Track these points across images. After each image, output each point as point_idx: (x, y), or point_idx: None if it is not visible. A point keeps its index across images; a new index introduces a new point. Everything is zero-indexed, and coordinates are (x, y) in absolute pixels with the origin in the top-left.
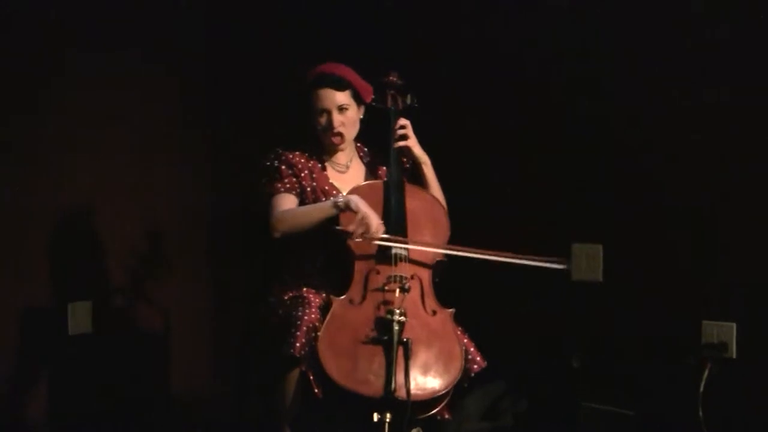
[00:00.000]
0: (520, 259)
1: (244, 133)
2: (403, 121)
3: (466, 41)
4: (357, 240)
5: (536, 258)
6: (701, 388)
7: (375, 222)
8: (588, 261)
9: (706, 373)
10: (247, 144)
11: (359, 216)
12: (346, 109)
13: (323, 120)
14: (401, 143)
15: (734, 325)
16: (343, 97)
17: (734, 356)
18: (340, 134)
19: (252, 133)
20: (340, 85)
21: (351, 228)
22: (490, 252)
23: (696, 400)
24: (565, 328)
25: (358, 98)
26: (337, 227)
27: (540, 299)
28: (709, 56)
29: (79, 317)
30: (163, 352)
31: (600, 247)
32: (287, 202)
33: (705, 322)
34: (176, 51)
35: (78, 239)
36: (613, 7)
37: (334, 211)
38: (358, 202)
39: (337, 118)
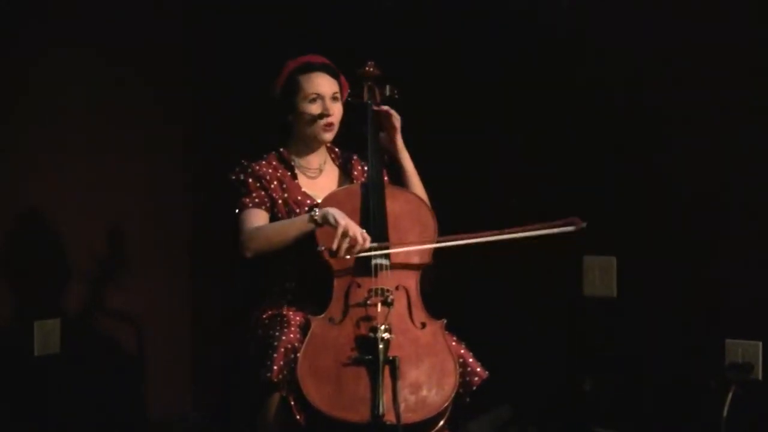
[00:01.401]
0: (522, 231)
1: (223, 136)
2: (386, 107)
3: (470, 24)
4: (345, 257)
5: (543, 226)
6: (725, 413)
7: (357, 233)
8: (601, 274)
9: (729, 396)
10: (227, 149)
11: (339, 230)
12: (337, 99)
13: (315, 107)
14: (385, 107)
15: (760, 344)
16: (335, 86)
17: (760, 378)
18: (333, 124)
19: (233, 136)
20: (333, 72)
21: (334, 245)
22: (486, 233)
23: (719, 425)
24: (576, 347)
25: (341, 93)
26: (320, 248)
27: (549, 316)
28: (728, 62)
29: (46, 337)
30: (137, 373)
31: (614, 260)
32: (257, 218)
33: (728, 341)
34: (152, 51)
35: (43, 251)
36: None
37: (310, 227)
38: (336, 215)
39: (331, 105)
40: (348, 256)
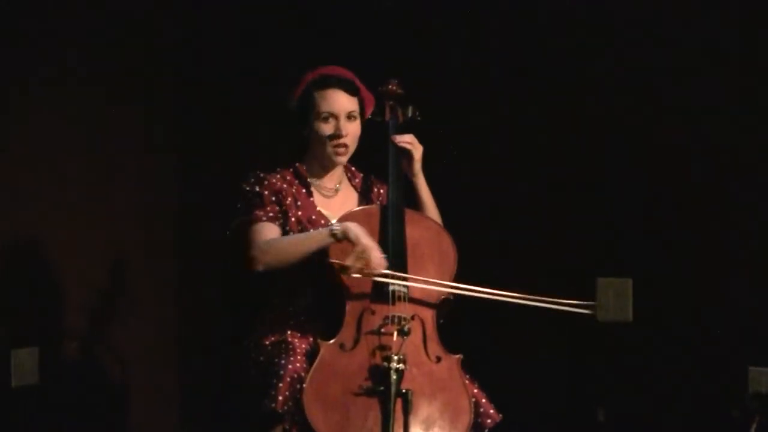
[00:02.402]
0: (540, 302)
1: (213, 156)
2: (407, 135)
3: (477, 49)
4: (354, 276)
5: (559, 302)
6: None
7: (376, 256)
8: (616, 298)
9: (753, 427)
10: (217, 169)
11: (359, 248)
12: (355, 118)
13: (328, 127)
14: (405, 143)
15: None
16: (352, 104)
17: None
18: (346, 146)
19: (222, 157)
20: (351, 89)
21: (348, 262)
22: (505, 293)
23: None
24: (590, 375)
25: (362, 110)
26: (332, 260)
27: (561, 342)
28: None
29: (24, 366)
30: (120, 405)
31: (630, 282)
32: (270, 232)
33: (752, 369)
34: (142, 76)
35: (21, 275)
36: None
37: (329, 241)
38: (358, 232)
39: (345, 126)
40: (356, 275)
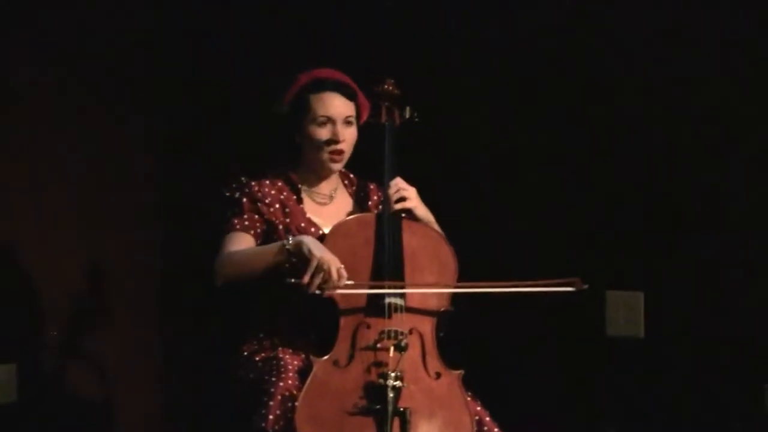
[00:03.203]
0: (517, 287)
1: (198, 158)
2: (398, 181)
3: (478, 46)
4: (315, 293)
5: (540, 283)
6: None
7: (336, 269)
8: (626, 312)
9: None
10: (204, 169)
11: (313, 263)
12: (351, 123)
13: (323, 132)
14: (401, 205)
15: None
16: (350, 108)
17: None
18: (342, 152)
19: (206, 160)
20: (349, 92)
21: (305, 279)
22: (474, 284)
23: None
24: (598, 394)
25: (358, 115)
26: (291, 280)
27: (569, 359)
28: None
29: (2, 383)
30: (103, 423)
31: (641, 296)
32: (241, 242)
33: None
34: (123, 76)
35: None
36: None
37: (281, 257)
38: (311, 245)
39: (342, 131)
40: (318, 292)
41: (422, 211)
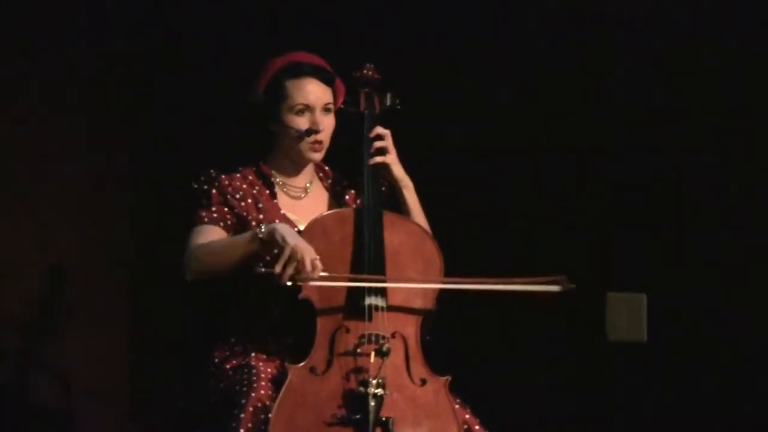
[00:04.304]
0: (502, 284)
1: (170, 146)
2: (380, 130)
3: (463, 27)
4: (287, 284)
5: (526, 281)
6: None
7: (310, 259)
8: (629, 315)
9: None
10: (175, 161)
11: (286, 251)
12: (330, 111)
13: (302, 120)
14: (378, 159)
15: None
16: (328, 95)
17: None
18: (321, 142)
19: (181, 173)
20: (327, 78)
21: (277, 268)
22: (469, 280)
23: None
24: (599, 401)
25: (335, 102)
26: (261, 269)
27: (566, 363)
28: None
29: None
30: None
31: (644, 297)
32: (210, 235)
33: None
34: (93, 75)
35: None
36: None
37: (254, 246)
38: (285, 233)
39: (322, 119)
40: (290, 283)
41: (399, 171)
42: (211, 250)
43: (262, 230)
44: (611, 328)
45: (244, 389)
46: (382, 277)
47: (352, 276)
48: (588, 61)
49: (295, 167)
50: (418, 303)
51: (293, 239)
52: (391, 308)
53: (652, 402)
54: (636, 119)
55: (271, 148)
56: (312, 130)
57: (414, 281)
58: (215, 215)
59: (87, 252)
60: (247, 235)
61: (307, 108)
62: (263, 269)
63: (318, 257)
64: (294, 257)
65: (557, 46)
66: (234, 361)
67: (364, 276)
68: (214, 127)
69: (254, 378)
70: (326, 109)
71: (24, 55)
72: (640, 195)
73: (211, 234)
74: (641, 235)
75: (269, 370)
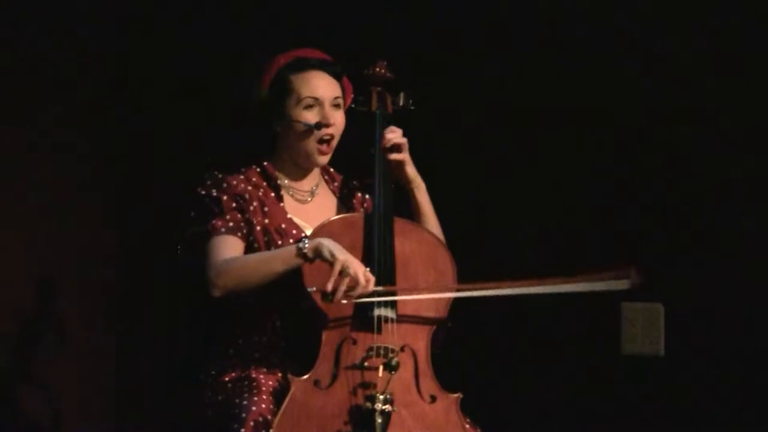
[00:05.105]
0: (561, 283)
1: (155, 189)
2: (394, 128)
3: (482, 23)
4: (343, 302)
5: (587, 277)
6: None
7: (362, 272)
8: (644, 327)
9: None
10: (159, 173)
11: (337, 267)
12: (339, 107)
13: (311, 115)
14: (396, 155)
15: None
16: (337, 89)
17: None
18: (332, 137)
19: (166, 190)
20: (335, 72)
21: (329, 286)
22: (510, 283)
23: None
24: (613, 418)
25: (344, 99)
26: (310, 288)
27: (580, 378)
28: None
29: None
30: None
31: (661, 308)
32: (231, 246)
33: None
34: (75, 74)
35: None
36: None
37: (297, 262)
38: (332, 247)
39: (332, 114)
40: (345, 301)
41: (412, 171)
42: (242, 266)
43: (306, 245)
44: (627, 340)
45: (244, 402)
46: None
47: (399, 292)
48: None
49: (299, 168)
50: (429, 313)
51: (342, 254)
52: (401, 320)
53: (669, 420)
54: (660, 119)
55: (274, 151)
56: (322, 124)
57: (451, 290)
58: (231, 224)
59: (72, 262)
60: (287, 250)
61: (316, 102)
62: (314, 289)
63: (369, 269)
64: (347, 272)
65: (571, 44)
66: (233, 374)
67: (390, 288)
68: (203, 129)
69: (255, 390)
70: (336, 105)
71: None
72: (658, 200)
73: (232, 245)
74: (659, 242)
75: (270, 382)
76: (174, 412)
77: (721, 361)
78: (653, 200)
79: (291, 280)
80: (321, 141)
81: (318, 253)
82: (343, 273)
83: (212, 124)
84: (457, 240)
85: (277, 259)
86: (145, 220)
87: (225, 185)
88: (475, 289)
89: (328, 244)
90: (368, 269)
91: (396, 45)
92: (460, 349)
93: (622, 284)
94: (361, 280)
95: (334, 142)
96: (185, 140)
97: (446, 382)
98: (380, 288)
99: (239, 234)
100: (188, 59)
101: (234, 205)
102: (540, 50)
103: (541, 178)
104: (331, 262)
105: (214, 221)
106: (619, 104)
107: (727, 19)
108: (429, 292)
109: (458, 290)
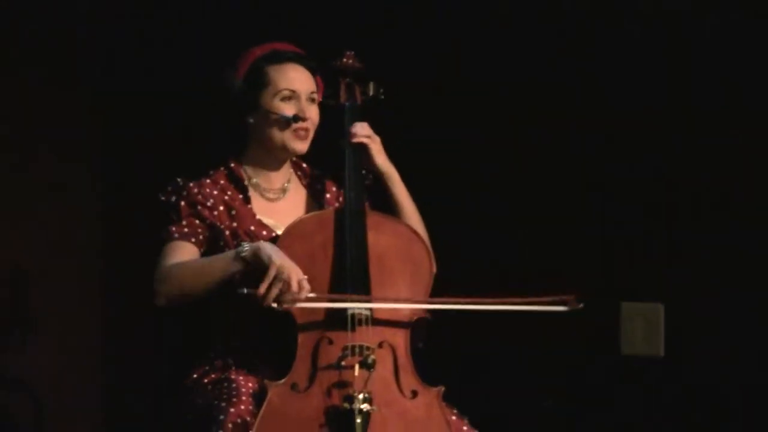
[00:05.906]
0: (504, 304)
1: (140, 181)
2: (363, 124)
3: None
4: (272, 306)
5: (530, 301)
6: None
7: (297, 279)
8: (644, 327)
9: None
10: (146, 171)
11: (272, 271)
12: (314, 101)
13: (288, 107)
14: (362, 138)
15: None
16: (313, 84)
17: None
18: (307, 130)
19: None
20: (311, 67)
21: (261, 290)
22: (464, 299)
23: None
24: (612, 421)
25: (317, 96)
26: (243, 290)
27: (577, 377)
28: None
29: None
30: None
31: (661, 308)
32: (181, 252)
33: None
34: (59, 66)
35: None
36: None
37: (236, 267)
38: (271, 252)
39: (308, 108)
40: (273, 305)
41: (382, 159)
42: (183, 273)
43: (245, 249)
44: (626, 341)
45: (223, 404)
46: (367, 297)
47: (335, 296)
48: (590, 61)
49: (272, 164)
50: (406, 311)
51: (279, 259)
52: (376, 318)
53: (669, 420)
54: (660, 119)
55: (246, 145)
56: (299, 117)
57: (402, 299)
58: (186, 230)
59: (54, 258)
60: (227, 255)
61: (293, 94)
62: (245, 290)
63: (305, 277)
64: (279, 278)
65: (556, 46)
66: (213, 376)
67: (352, 296)
68: (185, 128)
69: (234, 393)
70: (311, 99)
71: None
72: (658, 198)
73: (183, 251)
74: (658, 241)
75: (250, 384)
76: (158, 415)
77: (721, 362)
78: (653, 200)
79: (227, 292)
80: (297, 131)
81: (255, 257)
82: (276, 278)
83: (212, 125)
84: (440, 239)
85: (217, 265)
86: (134, 220)
87: (185, 192)
88: (429, 303)
89: (267, 248)
90: (304, 277)
91: (365, 31)
92: (450, 342)
93: (560, 308)
94: (294, 286)
95: (311, 134)
96: (185, 140)
97: (434, 376)
98: (350, 291)
99: (193, 240)
100: (188, 59)
101: (192, 211)
102: (525, 46)
103: (541, 179)
104: (266, 267)
105: (169, 227)
106: (619, 104)
107: (727, 19)
108: (402, 295)
109: (424, 303)
